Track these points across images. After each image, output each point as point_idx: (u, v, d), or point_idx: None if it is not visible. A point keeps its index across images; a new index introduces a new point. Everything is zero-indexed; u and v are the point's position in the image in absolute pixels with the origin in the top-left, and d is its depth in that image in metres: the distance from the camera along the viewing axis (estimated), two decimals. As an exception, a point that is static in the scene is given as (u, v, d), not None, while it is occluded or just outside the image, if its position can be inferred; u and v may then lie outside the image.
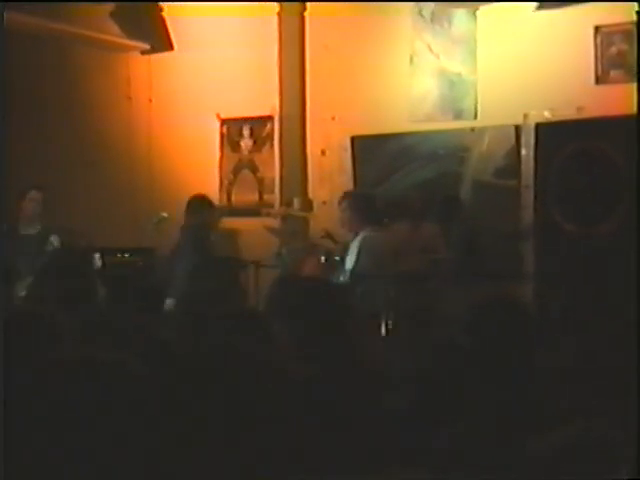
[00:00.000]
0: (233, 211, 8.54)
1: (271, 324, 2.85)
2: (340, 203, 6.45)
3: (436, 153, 7.66)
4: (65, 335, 2.45)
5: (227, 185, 8.64)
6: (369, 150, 7.95)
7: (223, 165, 8.66)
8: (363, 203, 6.31)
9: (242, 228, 8.31)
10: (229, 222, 8.44)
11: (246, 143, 8.56)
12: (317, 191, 8.07)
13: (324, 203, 8.03)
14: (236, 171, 8.61)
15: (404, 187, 7.74)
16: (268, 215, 7.89)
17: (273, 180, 8.34)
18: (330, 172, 8.11)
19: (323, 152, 8.19)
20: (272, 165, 8.38)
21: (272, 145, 8.39)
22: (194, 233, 6.80)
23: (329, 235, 6.82)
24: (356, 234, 6.22)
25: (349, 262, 6.08)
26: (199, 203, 7.05)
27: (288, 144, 8.26)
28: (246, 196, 8.52)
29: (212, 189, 8.59)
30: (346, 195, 6.57)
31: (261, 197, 8.45)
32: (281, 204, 8.11)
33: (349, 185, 8.01)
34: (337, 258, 6.17)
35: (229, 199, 8.62)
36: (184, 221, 6.95)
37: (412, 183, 7.74)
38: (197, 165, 8.68)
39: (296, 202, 8.00)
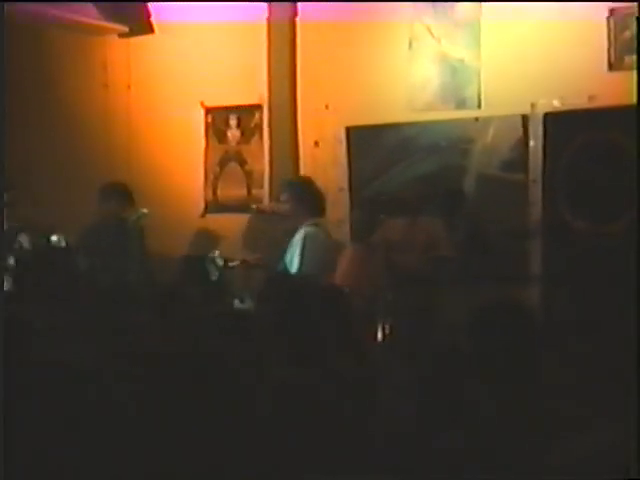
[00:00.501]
0: (219, 207, 8.58)
1: (258, 327, 2.89)
2: (281, 193, 6.26)
3: (437, 145, 7.70)
4: (40, 335, 2.50)
5: (213, 179, 8.68)
6: (365, 141, 7.99)
7: (208, 157, 8.69)
8: (308, 193, 6.13)
9: (229, 225, 8.34)
10: (215, 218, 8.48)
11: (233, 134, 8.60)
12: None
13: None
14: (222, 164, 8.64)
15: (403, 181, 7.78)
16: (260, 212, 7.89)
17: (262, 174, 8.37)
18: (324, 165, 8.14)
19: (316, 143, 8.22)
20: (261, 157, 8.41)
21: (261, 136, 8.42)
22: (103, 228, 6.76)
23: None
24: (296, 229, 6.02)
25: (294, 262, 5.84)
26: (111, 191, 6.94)
27: (278, 135, 8.28)
28: (233, 191, 8.55)
29: (196, 183, 8.64)
30: (287, 184, 6.37)
31: (249, 192, 8.49)
32: (271, 199, 8.14)
33: (344, 179, 8.05)
34: (287, 257, 6.01)
35: (215, 194, 8.66)
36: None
37: (412, 177, 7.78)
38: (180, 157, 8.71)
39: (287, 197, 8.02)
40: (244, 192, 8.49)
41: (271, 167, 8.29)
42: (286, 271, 5.80)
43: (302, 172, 8.18)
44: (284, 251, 6.03)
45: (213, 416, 1.73)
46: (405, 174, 7.85)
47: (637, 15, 6.80)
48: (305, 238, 5.91)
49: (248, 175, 8.53)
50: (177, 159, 8.71)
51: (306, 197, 6.10)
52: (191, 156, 8.68)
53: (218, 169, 8.66)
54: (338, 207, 8.03)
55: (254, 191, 8.46)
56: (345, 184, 8.07)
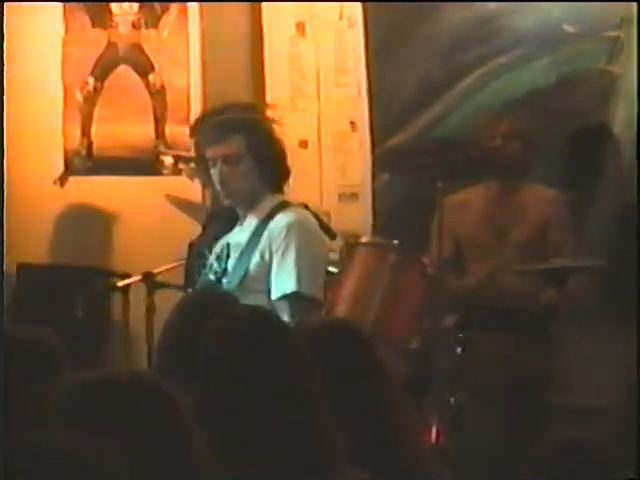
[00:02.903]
0: (96, 163, 8.64)
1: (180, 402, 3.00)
2: (216, 139, 6.43)
3: (554, 33, 7.79)
4: None
5: (82, 105, 8.73)
6: (398, 25, 8.08)
7: (71, 58, 8.74)
8: (273, 145, 6.41)
9: (117, 200, 8.40)
10: (88, 186, 8.54)
11: (124, 8, 8.66)
12: (285, 117, 8.18)
13: (302, 145, 8.17)
14: (103, 71, 8.70)
15: (480, 110, 7.93)
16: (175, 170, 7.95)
17: (186, 92, 8.46)
18: (310, 69, 8.23)
19: (299, 27, 8.31)
20: (183, 59, 8.50)
21: (184, 13, 8.50)
22: None
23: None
24: (252, 208, 6.32)
25: (285, 268, 6.13)
26: None
27: (218, 12, 8.37)
28: (125, 127, 8.62)
29: (48, 114, 8.66)
30: (234, 124, 6.49)
31: (159, 130, 8.57)
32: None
33: (356, 106, 8.14)
34: (226, 267, 6.19)
35: (86, 135, 8.72)
36: None
37: (499, 101, 7.93)
38: (12, 59, 8.76)
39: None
40: (149, 130, 8.60)
41: (204, 79, 8.39)
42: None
43: (269, 91, 8.26)
44: (245, 244, 6.26)
45: None
46: (483, 96, 8.01)
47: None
48: (296, 229, 6.21)
49: (156, 96, 8.60)
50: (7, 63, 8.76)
51: (272, 153, 6.36)
52: (36, 57, 8.73)
53: (94, 82, 8.72)
54: (346, 165, 8.12)
55: (170, 128, 8.56)
56: (362, 117, 8.19)
